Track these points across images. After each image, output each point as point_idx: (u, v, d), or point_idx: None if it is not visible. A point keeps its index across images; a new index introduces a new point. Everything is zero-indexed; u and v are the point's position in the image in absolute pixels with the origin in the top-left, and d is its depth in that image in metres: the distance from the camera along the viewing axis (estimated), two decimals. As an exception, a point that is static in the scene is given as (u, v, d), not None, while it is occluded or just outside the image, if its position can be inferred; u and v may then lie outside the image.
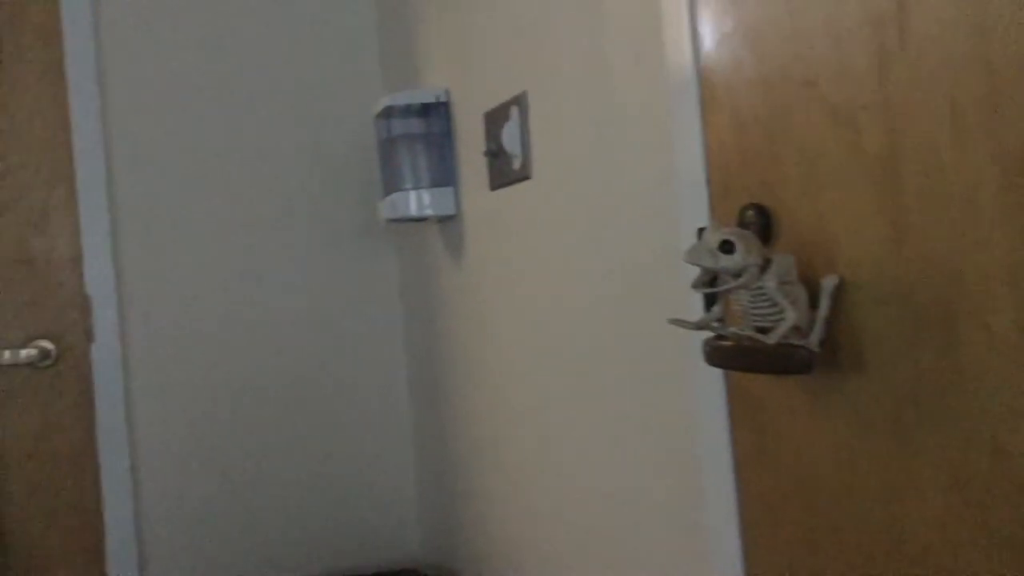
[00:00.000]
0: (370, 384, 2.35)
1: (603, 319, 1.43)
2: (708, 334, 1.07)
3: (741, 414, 1.12)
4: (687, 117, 1.17)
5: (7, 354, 2.09)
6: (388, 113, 2.00)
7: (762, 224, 1.03)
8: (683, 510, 1.26)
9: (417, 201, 1.99)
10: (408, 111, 2.01)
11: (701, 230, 1.12)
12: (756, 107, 1.06)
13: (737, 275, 0.94)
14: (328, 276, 2.32)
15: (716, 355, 1.01)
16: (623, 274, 1.36)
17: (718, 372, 1.13)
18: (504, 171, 1.71)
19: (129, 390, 2.17)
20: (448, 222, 2.02)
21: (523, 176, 1.64)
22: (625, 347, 1.37)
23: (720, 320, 1.03)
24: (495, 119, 1.73)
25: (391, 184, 2.03)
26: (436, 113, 1.99)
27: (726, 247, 0.93)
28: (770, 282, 0.93)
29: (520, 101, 1.63)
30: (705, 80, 1.14)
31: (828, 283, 0.96)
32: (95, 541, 2.15)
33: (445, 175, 1.99)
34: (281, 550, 2.26)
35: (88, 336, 2.15)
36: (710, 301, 1.09)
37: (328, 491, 2.30)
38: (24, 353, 2.10)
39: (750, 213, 1.04)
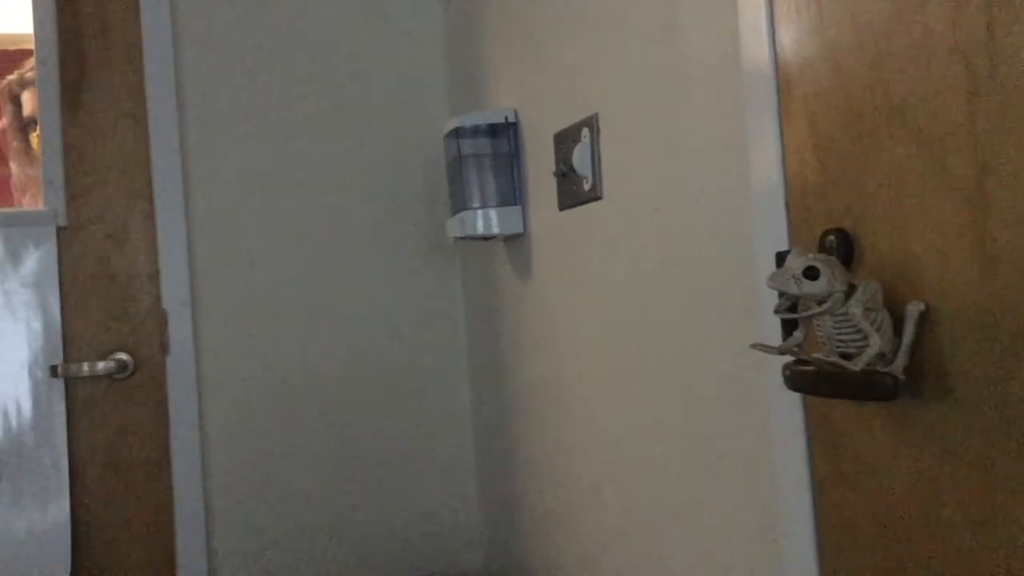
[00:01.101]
0: (434, 397, 2.37)
1: (675, 341, 1.42)
2: (788, 359, 1.06)
3: (820, 440, 1.10)
4: (766, 141, 1.16)
5: (86, 366, 2.14)
6: (457, 133, 2.02)
7: (844, 250, 1.02)
8: (759, 535, 1.25)
9: (484, 220, 2.00)
10: (476, 131, 2.02)
11: (780, 254, 1.11)
12: (838, 132, 1.05)
13: (821, 301, 0.94)
14: (396, 292, 2.35)
15: (798, 380, 1.00)
16: (697, 296, 1.36)
17: (796, 397, 1.12)
18: (574, 191, 1.72)
19: (202, 401, 2.21)
20: (515, 241, 2.03)
21: (593, 196, 1.64)
22: (699, 369, 1.36)
23: (799, 345, 1.02)
24: (565, 140, 1.74)
25: (459, 203, 2.04)
26: (504, 133, 2.01)
27: (810, 273, 0.92)
28: (855, 308, 0.92)
29: (591, 123, 1.63)
30: (784, 103, 1.14)
31: (913, 310, 0.94)
32: (167, 548, 2.19)
33: (513, 194, 2.00)
34: (346, 561, 2.28)
35: (164, 349, 2.19)
36: (790, 326, 1.08)
37: (393, 502, 2.32)
38: (102, 365, 2.15)
39: (831, 238, 1.03)
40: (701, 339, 1.35)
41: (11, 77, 2.25)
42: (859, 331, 0.94)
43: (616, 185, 1.58)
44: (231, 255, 2.25)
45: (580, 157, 1.66)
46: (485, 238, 2.08)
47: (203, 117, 2.24)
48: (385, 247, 2.35)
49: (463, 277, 2.38)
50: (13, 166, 2.24)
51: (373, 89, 2.36)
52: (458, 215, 2.04)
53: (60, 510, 2.09)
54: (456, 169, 2.05)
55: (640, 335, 1.53)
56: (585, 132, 1.65)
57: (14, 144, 2.21)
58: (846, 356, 0.95)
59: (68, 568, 2.08)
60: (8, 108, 2.23)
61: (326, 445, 2.29)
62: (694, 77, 1.34)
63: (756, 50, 1.18)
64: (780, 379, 1.11)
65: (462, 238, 2.06)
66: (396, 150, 2.36)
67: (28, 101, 2.22)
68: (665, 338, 1.45)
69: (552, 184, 1.82)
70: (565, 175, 1.73)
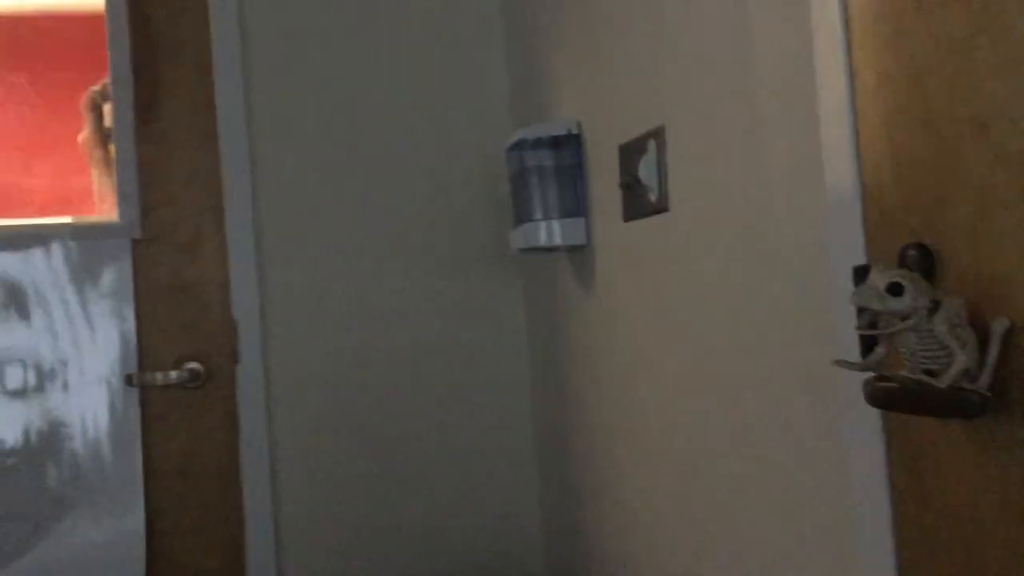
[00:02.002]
0: (496, 405, 2.39)
1: (747, 355, 1.41)
2: (867, 375, 1.05)
3: (899, 457, 1.09)
4: (842, 153, 1.15)
5: (159, 375, 2.19)
6: (520, 145, 2.03)
7: (925, 265, 1.01)
8: (836, 553, 1.23)
9: (547, 231, 2.01)
10: (539, 143, 2.03)
11: (857, 269, 1.10)
12: (918, 147, 1.04)
13: (905, 317, 0.92)
14: (459, 302, 2.37)
15: (879, 396, 0.99)
16: (769, 311, 1.35)
17: (875, 414, 1.11)
18: (639, 203, 1.72)
19: (271, 408, 2.25)
20: (578, 252, 2.03)
21: (660, 208, 1.64)
22: (771, 384, 1.35)
23: (882, 362, 1.01)
24: (630, 152, 1.74)
25: (522, 214, 2.05)
26: (567, 145, 2.01)
27: (894, 289, 0.91)
28: (940, 325, 0.91)
29: (658, 134, 1.63)
30: (861, 118, 1.13)
31: (998, 326, 0.93)
32: (237, 554, 2.22)
33: (576, 206, 2.00)
34: (412, 563, 2.30)
35: (234, 358, 2.23)
36: (867, 342, 1.07)
37: (455, 508, 2.34)
38: (175, 374, 2.20)
39: (912, 253, 1.02)
40: (774, 354, 1.34)
41: (95, 88, 2.31)
42: (944, 347, 0.92)
43: (684, 197, 1.57)
44: (298, 265, 2.29)
45: (646, 169, 1.66)
46: (548, 249, 2.08)
47: (271, 131, 2.28)
48: (449, 258, 2.37)
49: (525, 288, 2.39)
50: (94, 173, 2.30)
51: (436, 102, 2.38)
52: (521, 226, 2.05)
53: (135, 516, 2.13)
54: (519, 181, 2.06)
55: (710, 349, 1.52)
56: (651, 144, 1.65)
57: (96, 153, 2.27)
58: (930, 373, 0.94)
59: (142, 573, 2.12)
60: (90, 118, 2.28)
61: (390, 451, 2.32)
62: (766, 88, 1.33)
63: (830, 60, 1.17)
64: (857, 395, 1.09)
65: (526, 249, 2.07)
66: (459, 162, 2.38)
67: (109, 112, 2.27)
68: (736, 352, 1.44)
69: (616, 195, 1.82)
70: (630, 187, 1.73)
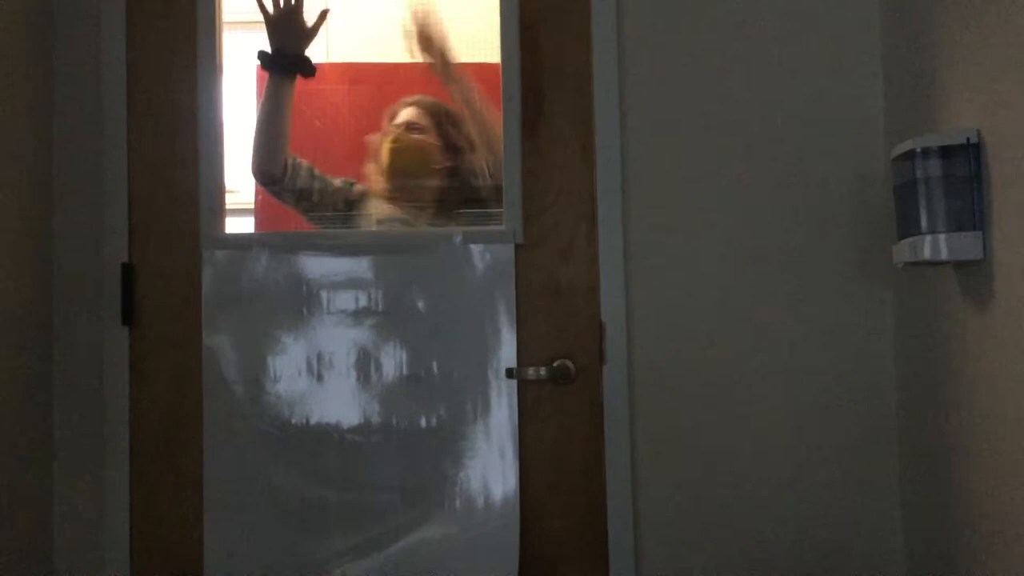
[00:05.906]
0: (856, 419, 2.25)
1: None
2: None
3: None
4: None
5: (531, 371, 2.25)
6: (910, 156, 1.87)
7: None
8: None
9: (932, 245, 1.84)
10: (927, 153, 1.86)
11: None
12: None
13: None
14: (823, 315, 2.26)
15: None
16: None
17: None
18: (1064, 218, 1.51)
19: (633, 408, 2.25)
20: (970, 268, 1.84)
21: (1097, 224, 1.43)
22: None
23: None
24: (1054, 163, 1.54)
25: (908, 227, 1.89)
26: (960, 155, 1.82)
27: None
28: None
29: (1097, 144, 1.43)
30: None
31: None
32: (599, 538, 2.24)
33: (969, 218, 1.81)
34: (765, 561, 2.22)
35: (600, 358, 2.25)
36: None
37: (813, 517, 2.24)
38: (545, 370, 2.25)
39: None
40: None
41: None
42: None
43: None
44: (664, 274, 2.27)
45: (1079, 181, 1.46)
46: (932, 264, 1.91)
47: (643, 143, 2.28)
48: (814, 270, 2.26)
49: (895, 302, 2.22)
50: None
51: (807, 114, 2.28)
52: (907, 240, 1.89)
53: (512, 499, 2.21)
54: (905, 192, 1.91)
55: None
56: (1087, 154, 1.45)
57: None
58: None
59: (516, 548, 2.19)
60: None
61: (744, 458, 2.25)
62: None
63: None
64: None
65: (911, 263, 1.91)
66: (828, 173, 2.27)
67: None
68: None
69: (1028, 209, 1.62)
70: (1054, 200, 1.53)
